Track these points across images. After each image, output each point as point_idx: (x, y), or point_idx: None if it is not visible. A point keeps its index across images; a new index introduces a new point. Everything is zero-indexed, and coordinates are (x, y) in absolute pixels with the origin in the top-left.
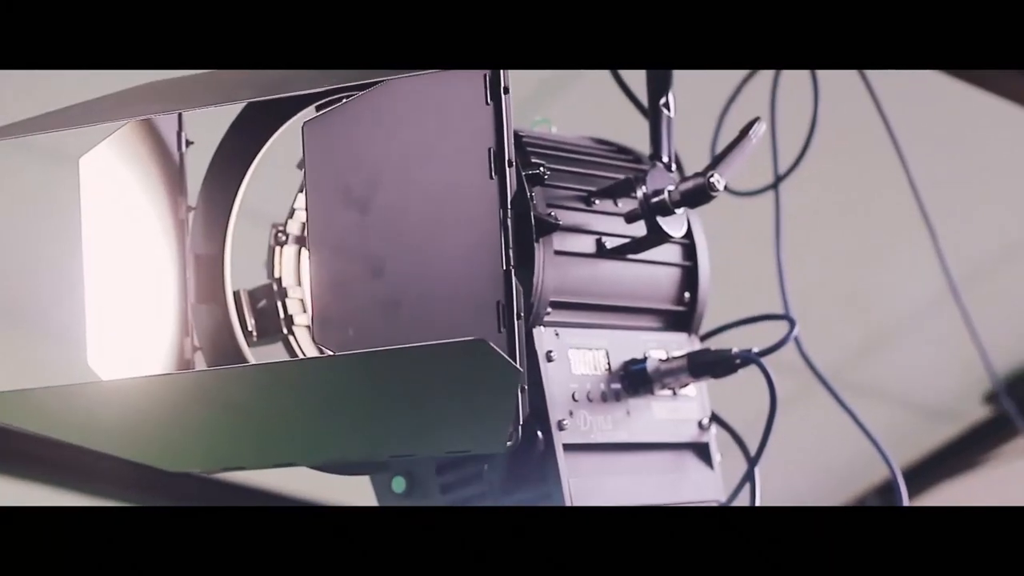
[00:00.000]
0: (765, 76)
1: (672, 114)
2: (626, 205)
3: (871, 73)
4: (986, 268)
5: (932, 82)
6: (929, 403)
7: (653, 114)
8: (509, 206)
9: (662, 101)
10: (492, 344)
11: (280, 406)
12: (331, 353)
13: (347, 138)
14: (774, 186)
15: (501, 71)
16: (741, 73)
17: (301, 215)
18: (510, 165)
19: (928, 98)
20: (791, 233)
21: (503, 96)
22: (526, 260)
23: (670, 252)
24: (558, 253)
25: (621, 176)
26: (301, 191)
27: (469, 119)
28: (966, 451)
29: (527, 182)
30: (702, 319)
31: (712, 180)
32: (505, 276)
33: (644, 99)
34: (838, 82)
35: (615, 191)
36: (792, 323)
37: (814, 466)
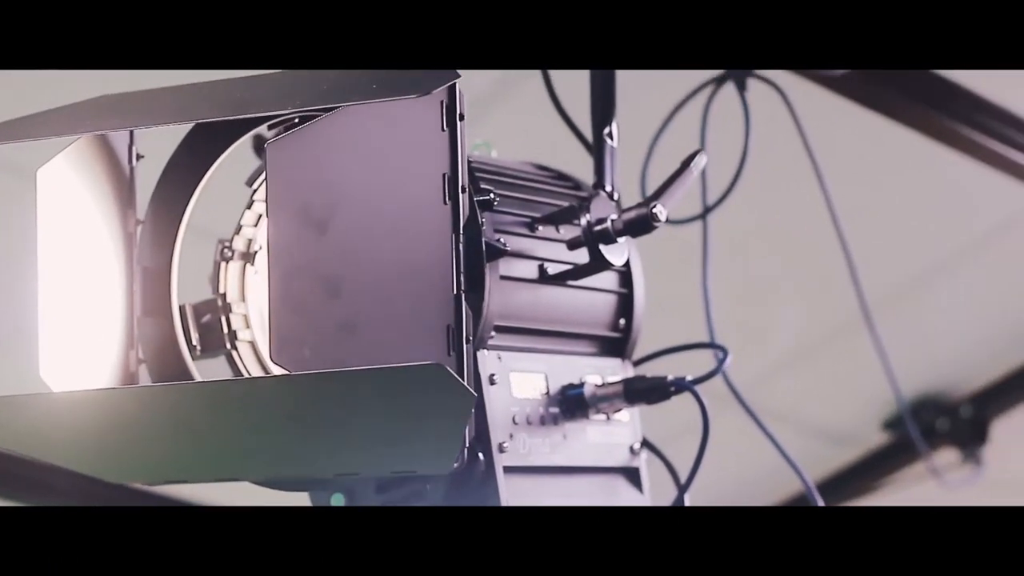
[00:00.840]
0: (695, 107)
1: (615, 144)
2: (568, 232)
3: (800, 108)
4: (888, 298)
5: (852, 113)
6: (829, 428)
7: (597, 144)
8: (461, 231)
9: (606, 131)
10: (449, 369)
11: (230, 423)
12: (286, 372)
13: (308, 160)
14: (703, 216)
15: (458, 98)
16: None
17: (247, 231)
18: (463, 191)
19: (848, 129)
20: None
21: (458, 123)
22: (475, 284)
23: (607, 279)
24: (503, 278)
25: (562, 203)
26: (248, 208)
27: (425, 144)
28: (865, 476)
29: (478, 208)
30: (635, 345)
31: (655, 211)
32: (455, 300)
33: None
34: (764, 111)
35: (558, 218)
36: (724, 352)
37: (728, 482)
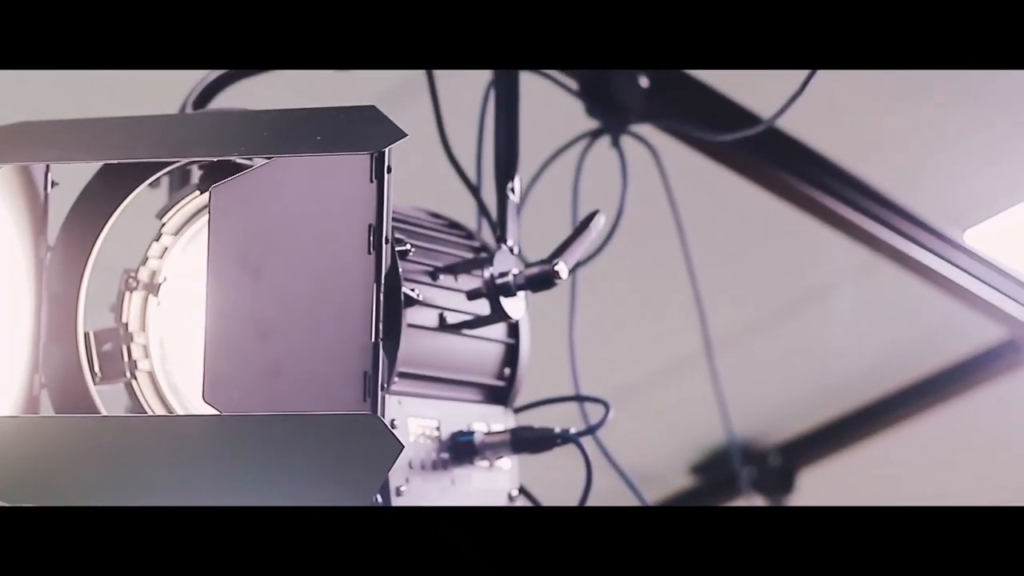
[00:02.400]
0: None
1: (517, 199)
2: (466, 282)
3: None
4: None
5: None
6: (636, 471)
7: (500, 199)
8: (383, 282)
9: (509, 187)
10: (383, 421)
11: (151, 455)
12: (217, 412)
13: (247, 205)
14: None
15: (387, 151)
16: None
17: (153, 263)
18: (387, 242)
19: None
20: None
21: (386, 175)
22: (390, 332)
23: (497, 330)
24: (409, 326)
25: (458, 252)
26: (156, 240)
27: (353, 194)
28: None
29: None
30: (517, 394)
31: (557, 268)
32: (373, 348)
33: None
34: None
35: (459, 268)
36: (607, 407)
37: None
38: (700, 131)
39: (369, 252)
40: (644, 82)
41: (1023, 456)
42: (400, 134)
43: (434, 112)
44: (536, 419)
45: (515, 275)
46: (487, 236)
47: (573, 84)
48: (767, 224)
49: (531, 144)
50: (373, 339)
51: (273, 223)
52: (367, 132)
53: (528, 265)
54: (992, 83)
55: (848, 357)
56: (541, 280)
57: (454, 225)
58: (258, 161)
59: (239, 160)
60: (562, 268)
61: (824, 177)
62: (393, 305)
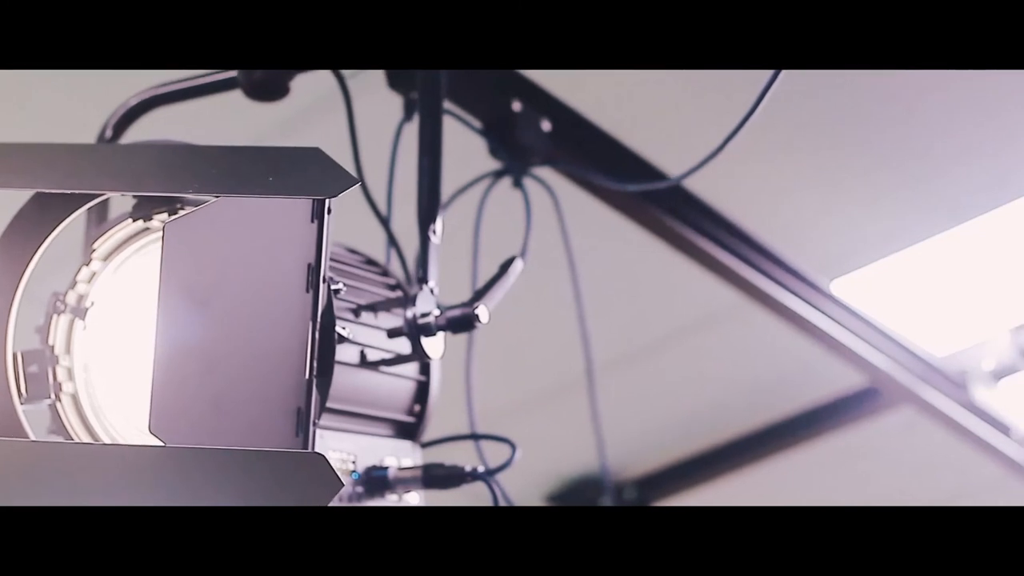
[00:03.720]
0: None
1: (438, 241)
2: (385, 320)
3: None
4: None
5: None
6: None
7: (423, 241)
8: (319, 319)
9: (431, 228)
10: (327, 459)
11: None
12: (161, 444)
13: (198, 241)
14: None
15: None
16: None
17: (81, 287)
18: (324, 281)
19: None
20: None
21: (326, 216)
22: (324, 370)
23: (410, 367)
24: (336, 362)
25: (377, 289)
26: (86, 264)
27: (294, 233)
28: None
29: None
30: (425, 429)
31: (478, 312)
32: (307, 385)
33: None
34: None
35: (380, 306)
36: (513, 447)
37: None
38: (599, 178)
39: (307, 291)
40: (547, 126)
41: (875, 500)
42: (351, 181)
43: (351, 144)
44: (437, 455)
45: (436, 316)
46: (394, 265)
47: (476, 123)
48: (644, 261)
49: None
50: (308, 376)
51: (220, 259)
52: (317, 176)
53: (450, 307)
54: (871, 139)
55: (712, 395)
56: (462, 322)
57: (370, 262)
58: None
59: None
60: (483, 312)
61: (705, 223)
62: (327, 343)
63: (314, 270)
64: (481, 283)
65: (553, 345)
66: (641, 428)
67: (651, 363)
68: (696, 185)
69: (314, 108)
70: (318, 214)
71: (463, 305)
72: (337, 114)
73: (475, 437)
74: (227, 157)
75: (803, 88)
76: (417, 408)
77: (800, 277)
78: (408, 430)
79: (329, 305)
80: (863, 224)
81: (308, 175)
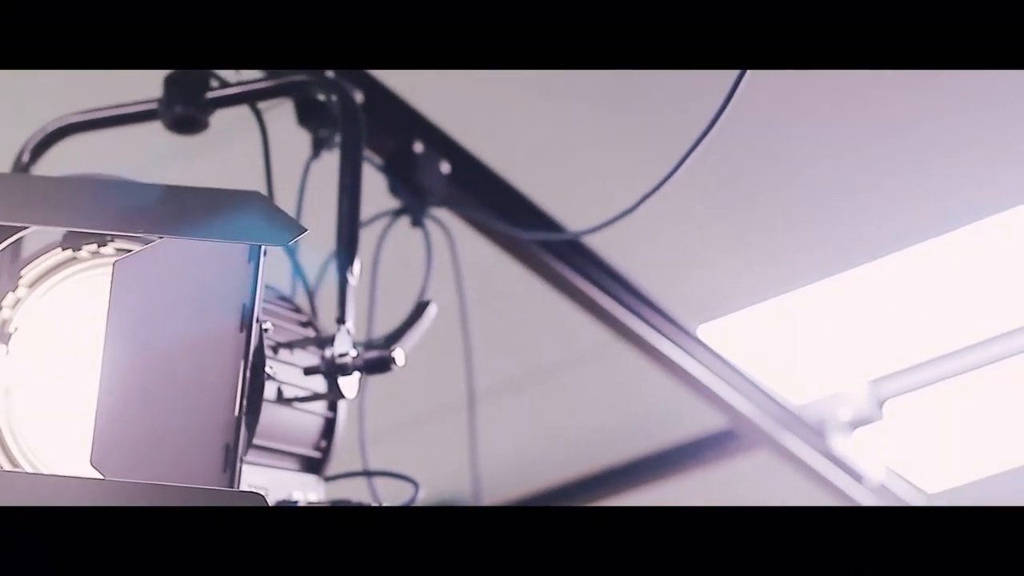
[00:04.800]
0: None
1: (355, 283)
2: (301, 357)
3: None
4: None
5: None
6: None
7: (341, 283)
8: (250, 358)
9: (348, 271)
10: (267, 502)
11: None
12: (101, 477)
13: (143, 278)
14: (387, 346)
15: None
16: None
17: (6, 312)
18: (257, 321)
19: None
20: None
21: (262, 257)
22: (252, 407)
23: (320, 403)
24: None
25: (288, 325)
26: (12, 291)
27: (231, 273)
28: None
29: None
30: (329, 464)
31: (394, 355)
32: (236, 422)
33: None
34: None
35: (297, 344)
36: (416, 485)
37: None
38: (493, 222)
39: (240, 330)
40: (446, 168)
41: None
42: (298, 228)
43: (266, 179)
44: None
45: (354, 357)
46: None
47: (377, 159)
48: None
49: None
50: (236, 413)
51: (162, 295)
52: (256, 220)
53: (367, 349)
54: (745, 193)
55: (582, 428)
56: (379, 364)
57: (283, 298)
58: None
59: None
60: (399, 355)
61: (585, 266)
62: (256, 382)
63: (248, 311)
64: (378, 317)
65: (434, 371)
66: (514, 456)
67: (528, 394)
68: (574, 224)
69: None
70: (254, 257)
71: (380, 347)
72: (237, 142)
73: (381, 474)
74: (169, 197)
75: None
76: (323, 443)
77: (670, 320)
78: (314, 465)
79: (260, 345)
80: (732, 273)
81: (248, 218)
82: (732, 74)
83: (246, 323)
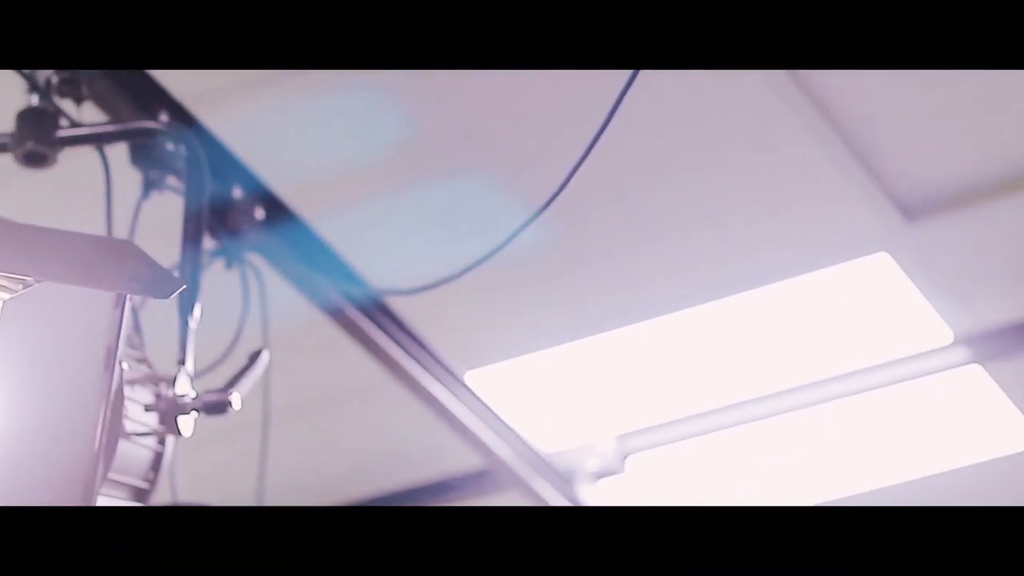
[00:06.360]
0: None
1: (195, 326)
2: (140, 394)
3: None
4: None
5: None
6: None
7: (183, 327)
8: (111, 397)
9: (190, 315)
10: None
11: None
12: None
13: (24, 317)
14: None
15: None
16: None
17: None
18: (119, 363)
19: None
20: None
21: (126, 303)
22: (110, 443)
23: (152, 437)
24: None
25: (126, 361)
26: None
27: (99, 316)
28: None
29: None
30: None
31: (231, 399)
32: (95, 456)
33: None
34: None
35: (139, 382)
36: None
37: None
38: (296, 269)
39: (104, 371)
40: (260, 213)
41: None
42: (175, 283)
43: (106, 218)
44: None
45: (193, 398)
46: None
47: None
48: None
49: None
50: (97, 447)
51: (48, 334)
52: (130, 268)
53: (207, 391)
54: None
55: (353, 457)
56: (216, 407)
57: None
58: None
59: None
60: (236, 399)
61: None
62: (116, 419)
63: (112, 352)
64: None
65: None
66: (298, 475)
67: (294, 423)
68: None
69: None
70: (118, 302)
71: (219, 391)
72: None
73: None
74: (46, 239)
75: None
76: (152, 475)
77: (440, 364)
78: (142, 495)
79: (120, 384)
80: (502, 326)
81: (122, 268)
82: None
83: (109, 364)
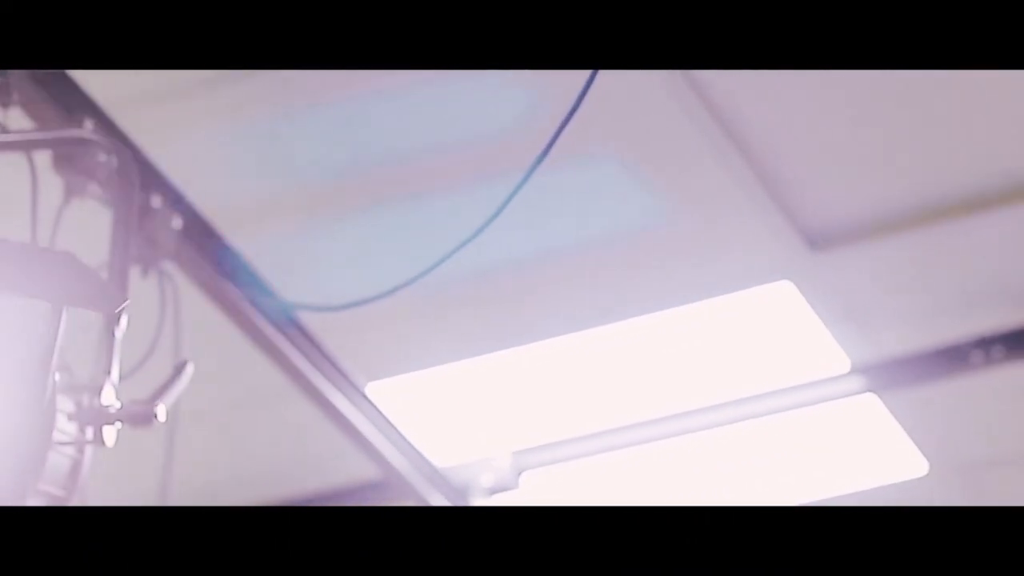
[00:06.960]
0: None
1: (121, 336)
2: (65, 404)
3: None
4: None
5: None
6: None
7: (109, 339)
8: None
9: (115, 328)
10: None
11: None
12: None
13: None
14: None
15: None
16: None
17: None
18: (53, 373)
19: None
20: None
21: (63, 316)
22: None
23: (75, 448)
24: None
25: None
26: None
27: (34, 327)
28: None
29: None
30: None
31: (156, 411)
32: (28, 464)
33: None
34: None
35: (61, 390)
36: None
37: None
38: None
39: (40, 380)
40: (178, 223)
41: None
42: (119, 297)
43: (31, 223)
44: None
45: (118, 409)
46: None
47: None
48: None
49: None
50: (28, 457)
51: None
52: (69, 279)
53: (132, 403)
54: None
55: (237, 464)
56: (141, 418)
57: None
58: None
59: None
60: (161, 411)
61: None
62: (47, 428)
63: (47, 362)
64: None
65: None
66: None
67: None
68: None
69: None
70: (58, 314)
71: (145, 403)
72: None
73: None
74: None
75: None
76: (69, 483)
77: (342, 373)
78: (58, 503)
79: (52, 394)
80: (406, 338)
81: (60, 278)
82: None
83: (44, 373)
